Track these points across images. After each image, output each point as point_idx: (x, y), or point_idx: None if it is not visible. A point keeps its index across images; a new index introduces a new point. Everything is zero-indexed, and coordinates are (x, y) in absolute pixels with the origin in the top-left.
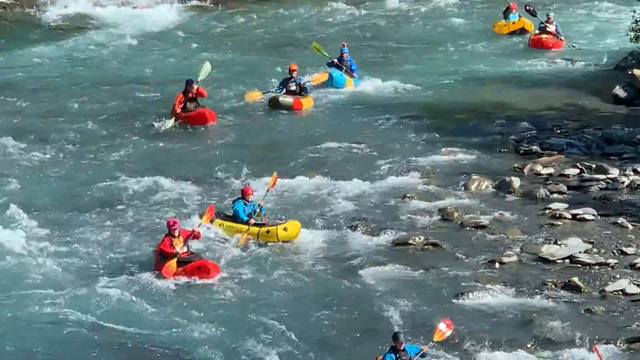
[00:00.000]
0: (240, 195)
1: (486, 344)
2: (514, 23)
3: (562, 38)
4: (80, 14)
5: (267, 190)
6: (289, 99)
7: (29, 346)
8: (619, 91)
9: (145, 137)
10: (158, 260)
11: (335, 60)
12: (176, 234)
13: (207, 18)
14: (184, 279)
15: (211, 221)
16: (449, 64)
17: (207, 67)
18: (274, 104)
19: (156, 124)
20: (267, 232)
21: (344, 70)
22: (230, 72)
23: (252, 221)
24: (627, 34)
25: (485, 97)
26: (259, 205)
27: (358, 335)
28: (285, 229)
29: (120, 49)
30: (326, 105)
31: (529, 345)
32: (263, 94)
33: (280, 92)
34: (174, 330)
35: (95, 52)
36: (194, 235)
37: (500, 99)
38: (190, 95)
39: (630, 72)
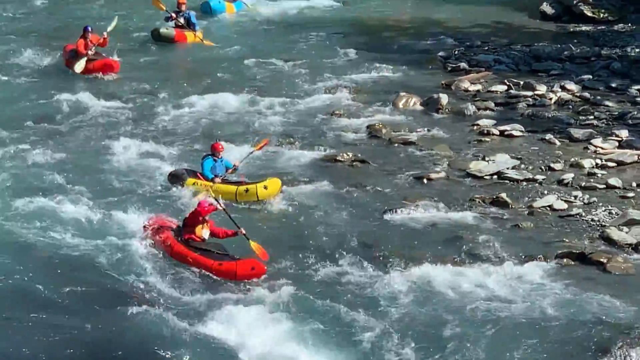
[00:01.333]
0: (210, 152)
1: (414, 259)
2: None
3: None
4: None
5: (251, 153)
6: (170, 32)
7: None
8: (547, 8)
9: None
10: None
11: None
12: (206, 219)
13: None
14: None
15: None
16: None
17: (115, 21)
18: (156, 36)
19: (73, 66)
20: (246, 190)
21: None
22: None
23: (218, 180)
24: None
25: (413, 14)
26: (234, 165)
27: (285, 251)
28: (265, 187)
29: None
30: (246, 27)
31: (457, 261)
32: (165, 9)
33: (169, 20)
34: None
35: None
36: None
37: (428, 16)
38: (88, 43)
39: None
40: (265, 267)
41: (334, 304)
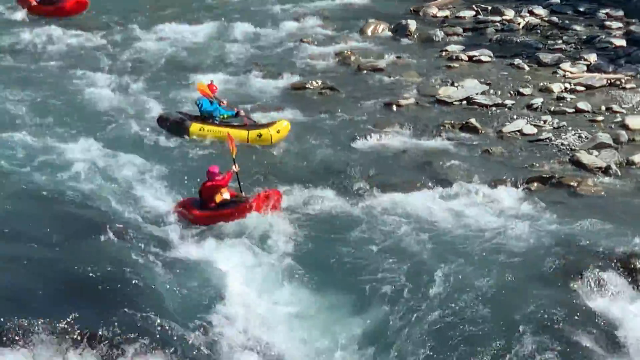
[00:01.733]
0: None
1: (384, 185)
2: None
3: None
4: None
5: (257, 123)
6: None
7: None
8: None
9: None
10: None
11: None
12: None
13: None
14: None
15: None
16: None
17: None
18: None
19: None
20: (259, 135)
21: None
22: None
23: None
24: None
25: None
26: (237, 111)
27: (258, 182)
28: (278, 131)
29: None
30: None
31: (427, 186)
32: None
33: None
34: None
35: None
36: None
37: None
38: None
39: None
40: (281, 192)
41: (310, 233)
